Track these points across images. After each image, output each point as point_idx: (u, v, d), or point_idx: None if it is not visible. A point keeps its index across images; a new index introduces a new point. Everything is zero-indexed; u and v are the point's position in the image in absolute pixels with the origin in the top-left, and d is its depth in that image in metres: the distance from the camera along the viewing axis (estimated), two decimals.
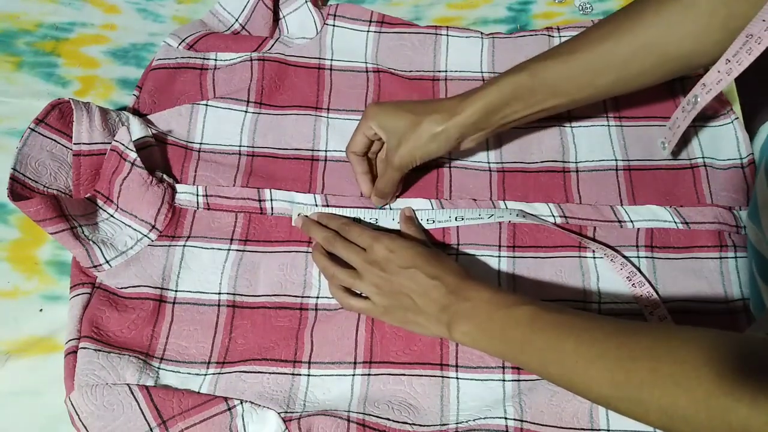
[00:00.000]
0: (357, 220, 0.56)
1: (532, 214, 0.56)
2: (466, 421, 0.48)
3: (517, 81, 0.51)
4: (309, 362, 0.51)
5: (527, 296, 0.46)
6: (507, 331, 0.45)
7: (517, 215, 0.55)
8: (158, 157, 0.58)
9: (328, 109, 0.62)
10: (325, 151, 0.60)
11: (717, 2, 0.47)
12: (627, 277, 0.53)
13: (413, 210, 0.56)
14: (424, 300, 0.48)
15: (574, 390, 0.42)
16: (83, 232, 0.51)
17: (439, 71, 0.64)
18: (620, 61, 0.50)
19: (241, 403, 0.48)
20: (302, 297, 0.53)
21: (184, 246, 0.55)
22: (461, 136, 0.53)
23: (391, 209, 0.57)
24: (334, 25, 0.66)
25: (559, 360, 0.42)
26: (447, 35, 0.66)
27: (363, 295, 0.51)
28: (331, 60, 0.64)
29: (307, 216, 0.56)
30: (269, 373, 0.50)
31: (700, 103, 0.53)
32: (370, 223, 0.56)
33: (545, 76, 0.51)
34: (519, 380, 0.50)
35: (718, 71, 0.50)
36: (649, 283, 0.52)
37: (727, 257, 0.54)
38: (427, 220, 0.56)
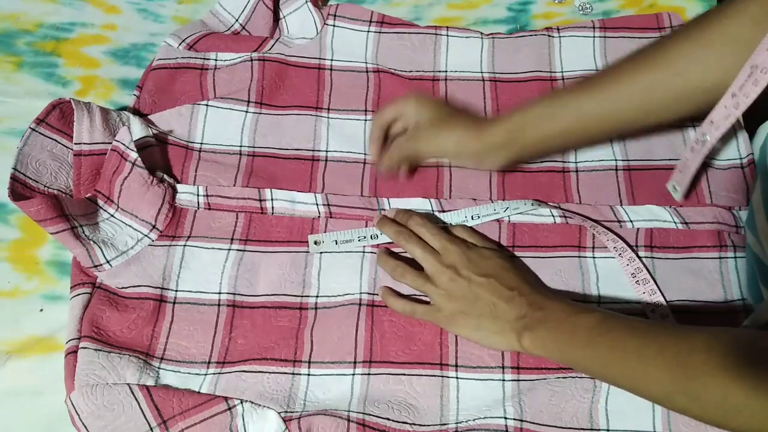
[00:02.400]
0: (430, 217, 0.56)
1: (543, 201, 0.56)
2: (466, 421, 0.48)
3: (545, 113, 0.54)
4: (309, 362, 0.51)
5: (598, 308, 0.47)
6: (574, 336, 0.45)
7: (531, 204, 0.56)
8: (159, 157, 0.58)
9: (328, 109, 0.62)
10: (326, 151, 0.60)
11: (738, 36, 0.47)
12: (632, 274, 0.53)
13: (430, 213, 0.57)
14: (501, 309, 0.48)
15: (636, 390, 0.43)
16: (84, 232, 0.51)
17: (439, 71, 0.64)
18: (641, 92, 0.50)
19: (241, 402, 0.48)
20: (302, 297, 0.53)
21: (185, 246, 0.55)
22: (489, 156, 0.55)
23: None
24: (334, 25, 0.66)
25: (621, 359, 0.43)
26: (447, 35, 0.66)
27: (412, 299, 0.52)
28: (331, 60, 0.64)
29: (384, 215, 0.56)
30: (269, 372, 0.50)
31: (710, 142, 0.52)
32: (438, 218, 0.56)
33: (577, 108, 0.53)
34: (519, 380, 0.50)
35: (725, 106, 0.49)
36: (653, 279, 0.52)
37: (726, 257, 0.54)
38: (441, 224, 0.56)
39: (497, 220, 0.56)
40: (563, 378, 0.49)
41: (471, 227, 0.55)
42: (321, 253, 0.55)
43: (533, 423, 0.48)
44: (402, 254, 0.55)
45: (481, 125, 0.55)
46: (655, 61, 0.50)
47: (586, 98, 0.52)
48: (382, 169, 0.58)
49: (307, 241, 0.55)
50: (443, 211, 0.57)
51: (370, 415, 0.48)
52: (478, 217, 0.56)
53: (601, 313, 0.46)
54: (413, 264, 0.53)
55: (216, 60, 0.64)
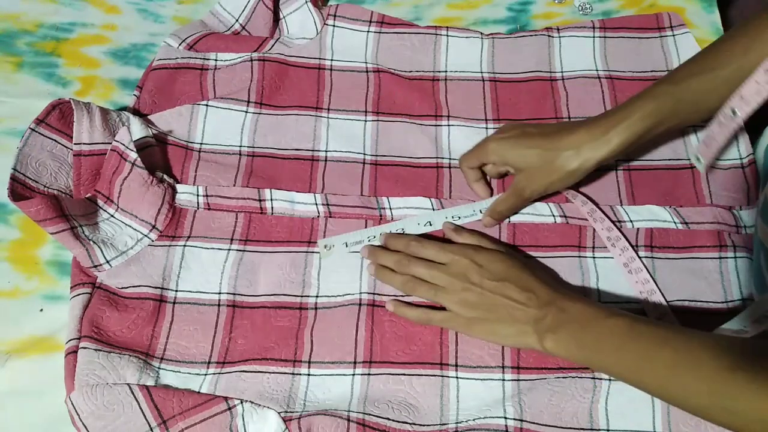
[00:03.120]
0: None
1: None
2: (466, 421, 0.48)
3: (662, 108, 0.51)
4: (309, 362, 0.51)
5: (621, 310, 0.47)
6: (602, 340, 0.45)
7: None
8: (159, 157, 0.58)
9: (328, 110, 0.62)
10: (326, 151, 0.60)
11: None
12: (624, 263, 0.53)
13: (453, 223, 0.56)
14: (518, 312, 0.48)
15: (669, 399, 0.43)
16: (83, 232, 0.51)
17: (439, 71, 0.64)
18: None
19: (242, 402, 0.48)
20: (302, 297, 0.53)
21: (185, 246, 0.55)
22: (599, 165, 0.53)
23: (390, 208, 0.57)
24: (334, 26, 0.66)
25: (655, 369, 0.42)
26: (447, 35, 0.66)
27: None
28: (331, 60, 0.64)
29: (371, 245, 0.55)
30: (269, 372, 0.50)
31: (740, 116, 0.51)
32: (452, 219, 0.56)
33: (688, 97, 0.51)
34: (518, 380, 0.50)
35: (757, 82, 0.49)
36: (648, 270, 0.53)
37: (726, 257, 0.54)
38: (452, 216, 0.56)
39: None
40: (563, 378, 0.49)
41: (479, 232, 0.55)
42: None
43: (533, 423, 0.48)
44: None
45: (592, 143, 0.51)
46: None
47: (707, 85, 0.51)
48: (497, 218, 0.55)
49: (307, 241, 0.55)
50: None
51: (370, 415, 0.48)
52: (459, 218, 0.56)
53: (629, 317, 0.45)
54: None
55: (216, 60, 0.64)
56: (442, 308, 0.51)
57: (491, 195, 0.57)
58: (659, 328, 0.44)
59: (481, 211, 0.56)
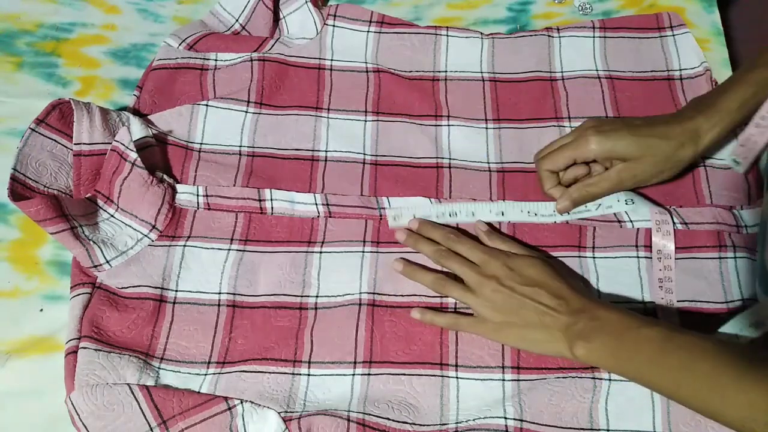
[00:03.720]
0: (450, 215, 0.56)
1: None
2: (466, 421, 0.48)
3: (758, 94, 0.52)
4: (309, 362, 0.51)
5: (655, 318, 0.46)
6: (638, 351, 0.45)
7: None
8: (158, 157, 0.58)
9: (328, 110, 0.62)
10: (325, 151, 0.60)
11: None
12: (659, 278, 0.53)
13: (482, 222, 0.56)
14: (549, 318, 0.48)
15: (707, 412, 0.42)
16: (83, 232, 0.51)
17: (439, 71, 0.64)
18: None
19: (242, 402, 0.48)
20: (302, 297, 0.53)
21: (185, 246, 0.55)
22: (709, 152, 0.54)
23: (390, 208, 0.57)
24: (334, 26, 0.66)
25: (693, 381, 0.42)
26: (447, 35, 0.66)
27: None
28: (331, 60, 0.64)
29: (410, 230, 0.55)
30: (269, 372, 0.50)
31: None
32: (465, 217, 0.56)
33: None
34: (518, 380, 0.50)
35: None
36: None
37: (726, 257, 0.54)
38: (496, 213, 0.56)
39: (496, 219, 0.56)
40: (563, 378, 0.49)
41: (509, 236, 0.55)
42: (321, 252, 0.55)
43: (533, 423, 0.48)
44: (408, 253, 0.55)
45: (694, 133, 0.52)
46: None
47: None
48: (575, 205, 0.55)
49: (307, 241, 0.55)
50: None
51: (370, 415, 0.48)
52: (534, 212, 0.56)
53: (664, 327, 0.45)
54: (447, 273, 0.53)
55: (216, 60, 0.64)
56: (470, 314, 0.51)
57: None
58: (697, 338, 0.43)
59: (528, 213, 0.56)
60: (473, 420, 0.48)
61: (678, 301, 0.52)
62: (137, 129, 0.56)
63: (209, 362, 0.51)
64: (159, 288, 0.53)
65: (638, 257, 0.54)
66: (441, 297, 0.53)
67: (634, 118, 0.55)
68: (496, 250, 0.52)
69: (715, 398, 0.41)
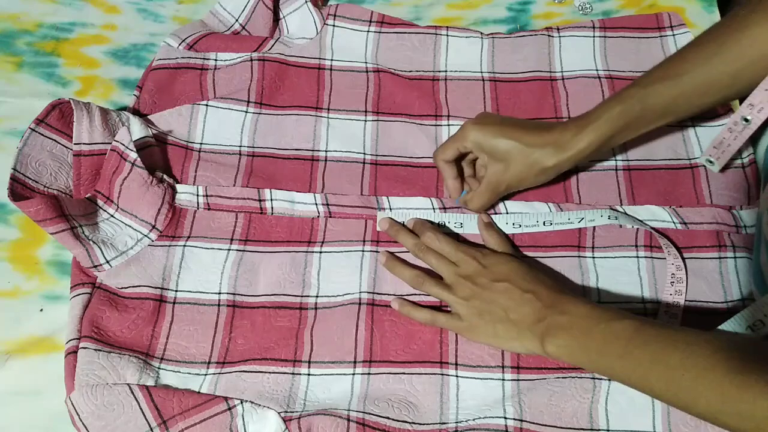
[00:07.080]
0: (441, 226, 0.56)
1: (627, 214, 0.56)
2: (466, 420, 0.48)
3: (628, 111, 0.51)
4: (309, 362, 0.51)
5: (626, 312, 0.46)
6: (607, 345, 0.44)
7: (609, 217, 0.54)
8: (158, 157, 0.58)
9: (328, 110, 0.62)
10: (325, 151, 0.60)
11: None
12: (671, 273, 0.53)
13: (491, 216, 0.56)
14: (518, 314, 0.48)
15: (678, 404, 0.42)
16: (83, 232, 0.51)
17: (439, 71, 0.64)
18: (729, 78, 0.50)
19: (242, 402, 0.48)
20: (302, 297, 0.53)
21: (185, 246, 0.55)
22: (570, 167, 0.53)
23: (390, 208, 0.57)
24: (334, 25, 0.66)
25: (663, 373, 0.41)
26: (447, 35, 0.66)
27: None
28: (331, 60, 0.64)
29: (393, 219, 0.55)
30: (269, 372, 0.50)
31: (754, 122, 0.52)
32: (454, 227, 0.56)
33: (655, 101, 0.51)
34: (518, 380, 0.50)
35: (766, 90, 0.49)
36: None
37: (726, 257, 0.54)
38: (513, 224, 0.56)
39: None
40: (563, 378, 0.49)
41: (505, 234, 0.55)
42: (321, 252, 0.55)
43: (533, 423, 0.48)
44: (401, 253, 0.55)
45: (566, 142, 0.52)
46: (739, 44, 0.49)
47: (673, 91, 0.51)
48: (473, 209, 0.56)
49: (307, 241, 0.55)
50: (445, 209, 0.57)
51: (370, 414, 0.48)
52: (551, 223, 0.55)
53: (633, 320, 0.44)
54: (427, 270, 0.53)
55: (216, 60, 0.64)
56: (447, 310, 0.51)
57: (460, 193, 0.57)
58: (667, 330, 0.43)
59: (544, 223, 0.56)
60: (473, 420, 0.48)
61: None
62: (137, 129, 0.56)
63: (209, 362, 0.51)
64: (159, 288, 0.53)
65: (638, 257, 0.54)
66: None
67: (519, 120, 0.55)
68: (473, 249, 0.52)
69: (685, 391, 0.40)
